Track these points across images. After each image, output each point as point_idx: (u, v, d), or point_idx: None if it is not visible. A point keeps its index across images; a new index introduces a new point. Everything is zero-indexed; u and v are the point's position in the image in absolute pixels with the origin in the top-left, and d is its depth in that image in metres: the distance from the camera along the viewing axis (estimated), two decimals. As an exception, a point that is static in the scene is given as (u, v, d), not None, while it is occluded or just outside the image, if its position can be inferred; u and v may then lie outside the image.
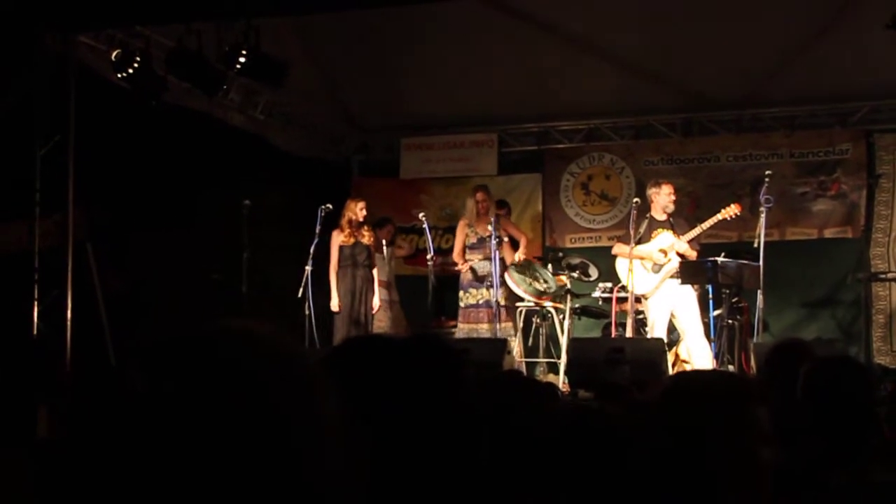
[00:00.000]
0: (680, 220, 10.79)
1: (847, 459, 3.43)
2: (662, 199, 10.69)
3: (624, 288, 10.84)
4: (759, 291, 10.22)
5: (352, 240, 11.42)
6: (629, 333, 10.68)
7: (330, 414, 1.31)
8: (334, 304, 11.31)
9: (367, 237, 11.51)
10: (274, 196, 12.77)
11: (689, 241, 10.51)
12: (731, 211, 10.58)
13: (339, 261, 11.41)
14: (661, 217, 10.69)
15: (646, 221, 10.66)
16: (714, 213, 10.71)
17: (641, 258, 10.54)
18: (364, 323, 11.39)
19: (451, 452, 1.84)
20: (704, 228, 10.60)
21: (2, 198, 10.36)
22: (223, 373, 1.26)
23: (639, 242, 10.56)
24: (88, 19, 9.88)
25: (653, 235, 10.62)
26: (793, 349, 5.00)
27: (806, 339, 5.70)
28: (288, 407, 1.26)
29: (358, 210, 11.46)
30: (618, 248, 10.88)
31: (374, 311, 11.60)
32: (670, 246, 10.51)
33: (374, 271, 11.69)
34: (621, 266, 10.70)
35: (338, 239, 11.42)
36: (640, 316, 11.05)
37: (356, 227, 11.45)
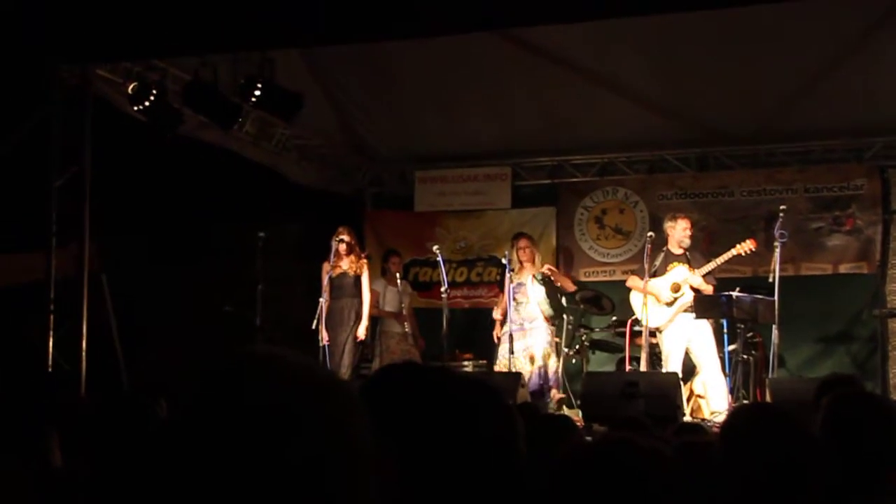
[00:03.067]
0: (696, 255, 10.81)
1: (864, 493, 3.40)
2: (678, 233, 10.70)
3: (638, 321, 10.82)
4: (774, 326, 10.18)
5: (337, 269, 11.44)
6: (643, 367, 10.64)
7: (366, 445, 1.27)
8: (322, 337, 11.29)
9: (352, 267, 11.51)
10: (288, 228, 12.80)
11: (705, 276, 10.50)
12: (747, 246, 10.58)
13: (330, 291, 11.43)
14: (678, 251, 10.70)
15: (662, 255, 10.67)
16: (729, 248, 10.71)
17: (651, 293, 10.54)
18: (352, 353, 11.40)
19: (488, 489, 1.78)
20: (719, 263, 10.60)
21: (18, 229, 10.41)
22: (248, 403, 1.21)
23: (654, 276, 10.56)
24: (104, 51, 9.92)
25: (668, 269, 10.63)
26: (836, 385, 4.96)
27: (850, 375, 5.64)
28: (320, 438, 1.21)
29: (337, 239, 11.47)
30: (632, 282, 10.89)
31: (359, 340, 11.56)
32: (684, 280, 10.51)
33: (364, 300, 11.62)
34: (636, 299, 10.70)
35: (325, 270, 11.45)
36: (655, 349, 11.02)
37: (339, 256, 11.46)
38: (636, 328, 11.03)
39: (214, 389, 1.25)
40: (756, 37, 11.07)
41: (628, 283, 10.98)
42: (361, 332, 11.56)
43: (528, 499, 1.90)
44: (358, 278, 11.56)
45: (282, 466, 1.18)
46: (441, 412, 1.76)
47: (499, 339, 12.11)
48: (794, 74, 11.68)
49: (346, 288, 11.48)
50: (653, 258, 10.59)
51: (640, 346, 10.92)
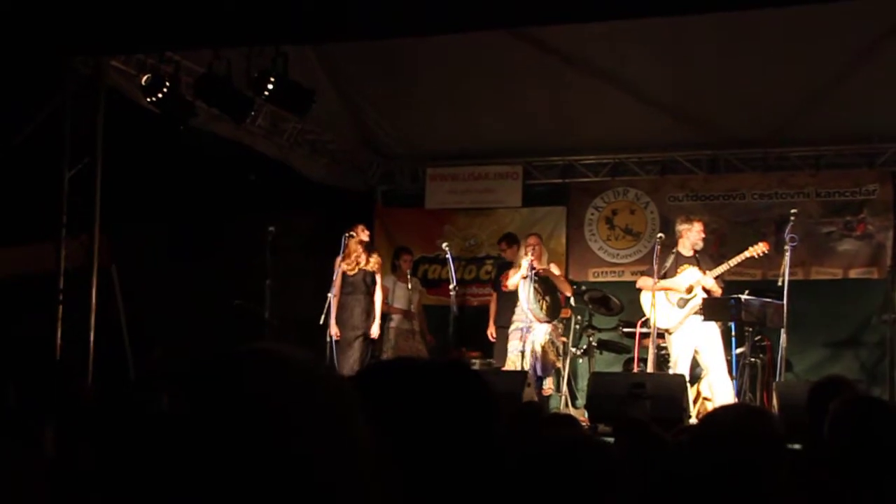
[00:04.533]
0: (705, 258, 10.77)
1: (873, 495, 3.40)
2: (693, 235, 10.65)
3: (647, 322, 10.81)
4: (782, 330, 10.17)
5: (352, 266, 11.43)
6: (650, 369, 10.63)
7: (362, 440, 1.27)
8: (332, 332, 11.29)
9: (370, 263, 11.51)
10: (298, 223, 12.81)
11: (715, 278, 10.48)
12: (759, 249, 10.54)
13: (342, 287, 11.41)
14: (688, 253, 10.66)
15: (672, 256, 10.64)
16: (739, 251, 10.69)
17: (666, 290, 10.50)
18: (362, 350, 11.39)
19: (477, 482, 1.79)
20: (731, 265, 10.57)
21: (29, 219, 10.43)
22: (248, 399, 1.21)
23: (664, 277, 10.53)
24: (118, 43, 9.95)
25: (678, 271, 10.59)
26: (830, 387, 4.95)
27: (846, 377, 5.62)
28: (320, 435, 1.21)
29: (351, 235, 11.46)
30: (642, 282, 10.86)
31: (372, 338, 11.54)
32: (696, 281, 10.48)
33: (377, 298, 11.62)
34: (646, 300, 10.67)
35: (340, 267, 11.41)
36: (662, 351, 11.01)
37: (354, 252, 11.44)
38: (645, 329, 11.02)
39: (214, 384, 1.25)
40: (770, 40, 11.05)
41: (639, 284, 10.94)
42: (375, 331, 11.55)
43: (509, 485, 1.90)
44: (373, 276, 11.55)
45: (281, 462, 1.18)
46: (417, 407, 1.77)
47: (492, 336, 12.16)
48: (807, 79, 11.66)
49: (359, 285, 11.47)
50: (662, 259, 10.58)
51: (647, 348, 10.92)
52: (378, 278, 11.65)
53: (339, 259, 11.45)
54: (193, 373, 1.28)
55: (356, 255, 11.45)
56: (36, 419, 4.84)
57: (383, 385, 1.81)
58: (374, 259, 11.61)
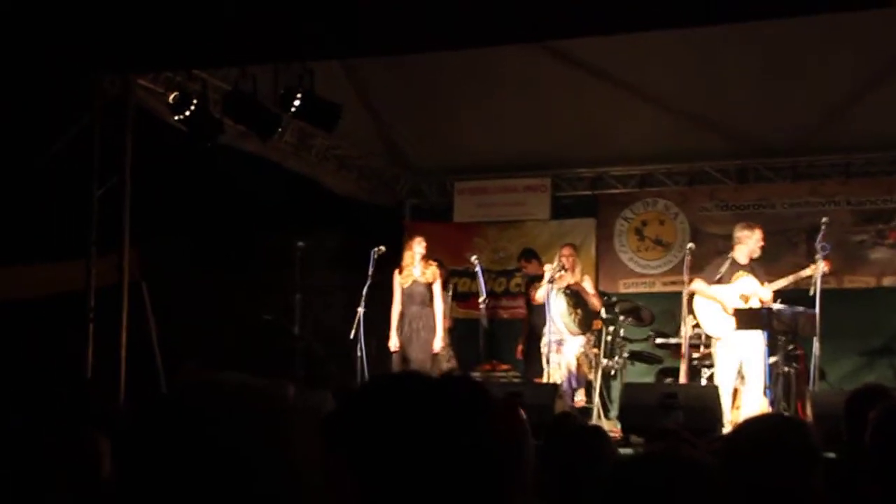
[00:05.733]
0: (760, 267, 10.57)
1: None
2: (752, 243, 10.46)
3: (700, 330, 10.73)
4: (815, 339, 10.08)
5: (408, 279, 11.35)
6: (683, 379, 10.56)
7: (298, 461, 1.25)
8: (392, 344, 11.25)
9: (426, 275, 11.42)
10: (327, 238, 12.82)
11: (774, 292, 10.33)
12: (821, 267, 10.29)
13: (401, 301, 11.34)
14: (744, 261, 10.46)
15: (727, 263, 10.43)
16: (770, 261, 10.60)
17: (717, 301, 10.37)
18: (417, 363, 11.24)
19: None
20: (791, 281, 10.41)
21: (59, 237, 10.48)
22: (182, 443, 1.24)
23: (718, 282, 10.37)
24: (146, 62, 9.99)
25: (733, 279, 10.40)
26: (868, 395, 4.89)
27: (884, 386, 5.54)
28: (251, 468, 1.22)
29: (411, 249, 11.41)
30: (697, 285, 10.64)
31: (434, 353, 11.38)
32: (753, 292, 10.33)
33: (438, 311, 11.47)
34: (700, 305, 10.51)
35: (397, 280, 11.37)
36: (695, 361, 10.96)
37: (412, 265, 11.38)
38: (676, 339, 10.96)
39: (149, 424, 1.28)
40: (798, 48, 11.01)
41: (693, 287, 10.64)
42: (437, 345, 11.35)
43: None
44: (429, 286, 11.43)
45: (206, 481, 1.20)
46: (416, 430, 1.67)
47: (524, 353, 12.15)
48: (836, 86, 11.61)
49: (417, 296, 11.40)
50: (717, 265, 10.44)
51: (700, 357, 10.90)
52: (437, 288, 11.51)
53: (396, 271, 11.39)
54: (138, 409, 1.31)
55: (410, 266, 11.38)
56: (87, 437, 4.82)
57: (377, 408, 1.70)
58: (431, 270, 11.47)
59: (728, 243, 10.79)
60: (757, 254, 10.55)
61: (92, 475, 4.19)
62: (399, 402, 1.69)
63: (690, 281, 10.58)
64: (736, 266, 10.46)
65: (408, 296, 11.32)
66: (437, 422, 1.68)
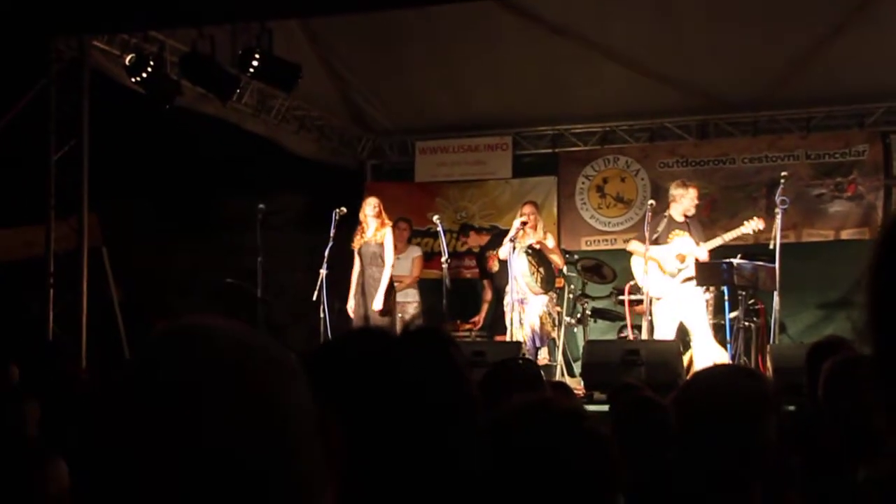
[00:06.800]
0: (696, 224, 10.71)
1: (869, 454, 3.40)
2: (687, 201, 10.58)
3: (637, 288, 10.78)
4: (775, 293, 10.16)
5: (361, 241, 11.30)
6: (645, 335, 10.62)
7: (304, 417, 1.19)
8: (349, 306, 11.24)
9: (377, 236, 11.38)
10: (289, 200, 12.78)
11: (709, 251, 10.42)
12: (755, 225, 10.45)
13: (360, 262, 11.30)
14: (680, 218, 10.60)
15: (664, 221, 10.55)
16: (730, 216, 10.66)
17: (654, 260, 10.45)
18: (377, 322, 11.19)
19: (438, 452, 1.73)
20: (726, 240, 10.51)
21: (17, 202, 10.40)
22: (162, 387, 1.14)
23: (655, 242, 10.47)
24: (101, 23, 9.89)
25: (670, 237, 10.53)
26: (828, 348, 4.94)
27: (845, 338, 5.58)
28: (240, 417, 1.13)
29: (363, 210, 11.35)
30: (634, 246, 10.75)
31: (378, 310, 11.25)
32: (689, 252, 10.43)
33: (386, 271, 11.33)
34: (637, 265, 10.63)
35: (353, 242, 11.33)
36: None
37: (366, 226, 11.32)
38: (636, 295, 11.00)
39: (133, 368, 1.20)
40: (756, 3, 11.02)
41: (629, 248, 10.85)
42: (377, 305, 11.20)
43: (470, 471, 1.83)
44: (381, 246, 11.32)
45: (196, 450, 1.12)
46: (386, 382, 1.73)
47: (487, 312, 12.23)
48: (796, 40, 11.63)
49: (368, 257, 11.32)
50: (655, 224, 10.53)
51: (638, 314, 10.91)
52: (388, 244, 11.36)
53: (354, 235, 11.33)
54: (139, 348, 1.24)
55: (364, 228, 11.29)
56: (15, 399, 4.81)
57: (345, 363, 1.77)
58: (382, 231, 11.37)
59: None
60: (692, 212, 10.64)
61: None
62: (364, 352, 1.76)
63: (627, 242, 10.73)
64: (673, 224, 10.57)
65: (363, 256, 11.26)
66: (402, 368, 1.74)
